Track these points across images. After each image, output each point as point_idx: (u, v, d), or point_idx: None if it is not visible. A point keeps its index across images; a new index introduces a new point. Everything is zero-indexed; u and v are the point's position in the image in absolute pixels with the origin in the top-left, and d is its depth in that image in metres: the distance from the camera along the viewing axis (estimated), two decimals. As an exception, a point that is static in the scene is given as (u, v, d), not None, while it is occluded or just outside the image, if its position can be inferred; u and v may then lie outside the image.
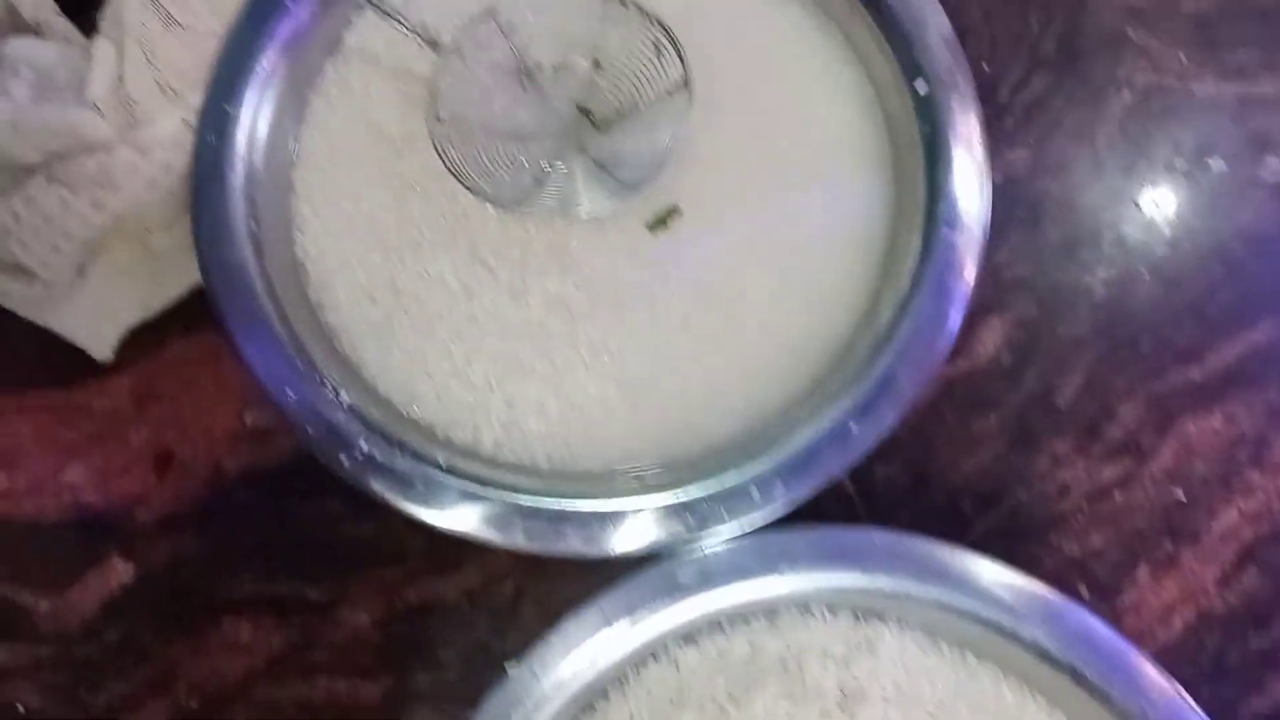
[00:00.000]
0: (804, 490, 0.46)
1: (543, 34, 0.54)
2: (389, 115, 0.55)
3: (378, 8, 0.53)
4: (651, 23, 0.51)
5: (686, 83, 0.51)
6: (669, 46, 0.51)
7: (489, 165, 0.52)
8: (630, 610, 0.45)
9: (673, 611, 0.45)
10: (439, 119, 0.51)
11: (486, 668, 0.48)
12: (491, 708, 0.44)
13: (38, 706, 0.53)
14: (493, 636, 0.54)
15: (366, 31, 0.56)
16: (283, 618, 0.54)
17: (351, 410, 0.49)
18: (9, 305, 0.57)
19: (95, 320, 0.57)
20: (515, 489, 0.48)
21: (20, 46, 0.55)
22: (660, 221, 0.53)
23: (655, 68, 0.52)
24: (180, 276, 0.56)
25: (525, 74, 0.54)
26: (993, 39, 0.61)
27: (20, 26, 0.59)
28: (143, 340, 0.58)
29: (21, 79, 0.54)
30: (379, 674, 0.54)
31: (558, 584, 0.54)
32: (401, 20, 0.53)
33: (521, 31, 0.54)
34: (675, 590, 0.45)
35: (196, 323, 0.58)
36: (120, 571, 0.55)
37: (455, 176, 0.50)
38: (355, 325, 0.53)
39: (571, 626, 0.45)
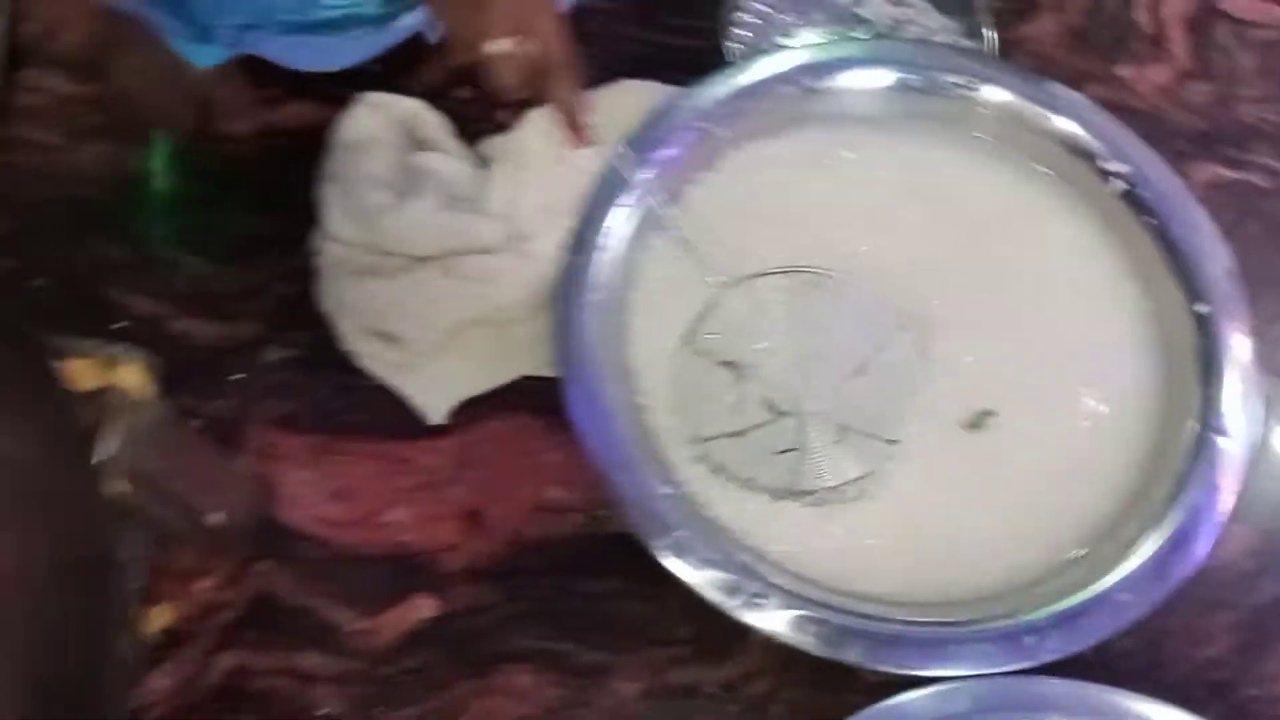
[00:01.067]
0: (1073, 646, 0.52)
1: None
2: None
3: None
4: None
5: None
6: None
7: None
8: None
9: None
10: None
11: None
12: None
13: (339, 713, 0.61)
14: (742, 730, 0.60)
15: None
16: (560, 674, 0.61)
17: (669, 500, 0.57)
18: (369, 367, 0.67)
19: (437, 389, 0.67)
20: (806, 598, 0.54)
21: (429, 160, 0.68)
22: (975, 424, 0.60)
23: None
24: (520, 364, 0.66)
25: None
26: (1248, 273, 0.68)
27: (418, 145, 0.71)
28: (469, 411, 0.67)
29: (429, 187, 0.66)
30: (636, 743, 0.60)
31: (808, 691, 0.60)
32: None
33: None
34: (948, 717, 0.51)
35: (515, 404, 0.67)
36: (424, 607, 0.63)
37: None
38: (673, 431, 0.61)
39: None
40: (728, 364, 0.62)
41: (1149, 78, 0.79)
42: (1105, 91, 0.76)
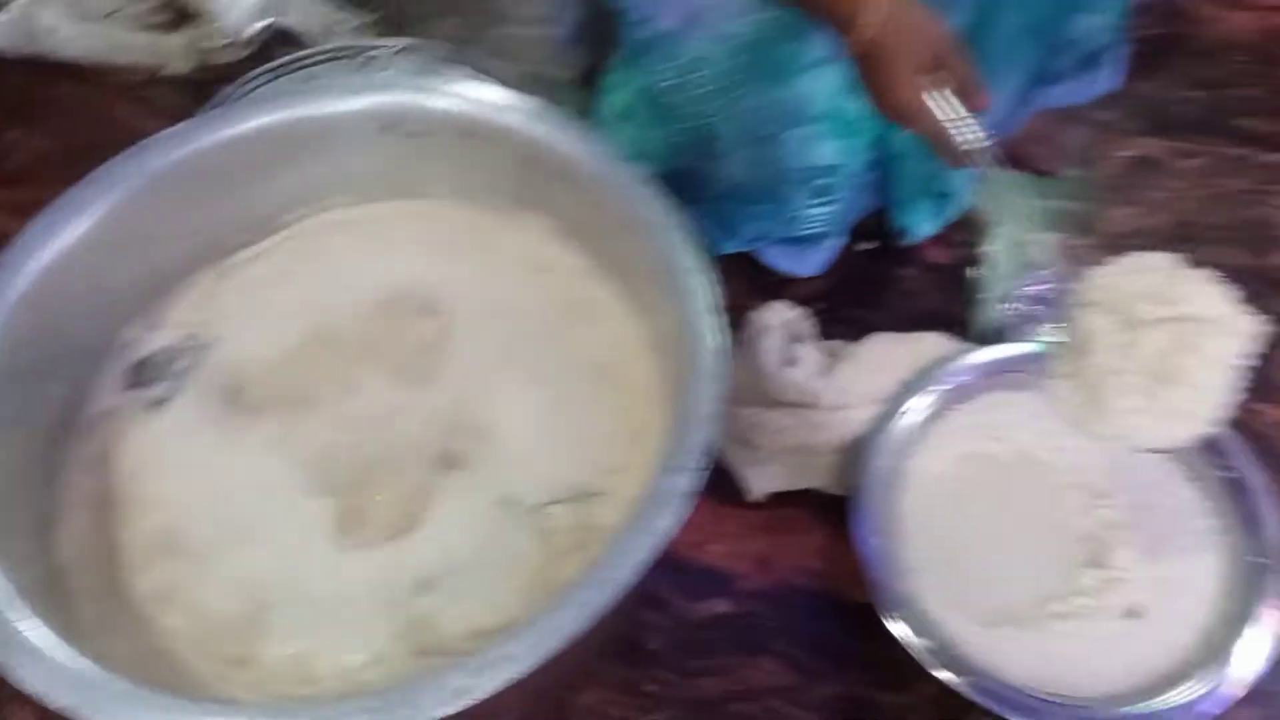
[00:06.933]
0: None
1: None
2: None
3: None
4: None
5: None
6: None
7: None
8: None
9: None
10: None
11: None
12: None
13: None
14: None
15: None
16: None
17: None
18: (732, 460, 1.10)
19: (763, 480, 1.09)
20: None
21: (800, 348, 1.11)
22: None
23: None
24: (817, 480, 1.07)
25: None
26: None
27: (794, 337, 1.14)
28: (776, 498, 1.08)
29: (799, 361, 1.10)
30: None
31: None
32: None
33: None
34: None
35: (806, 504, 1.08)
36: (720, 605, 1.05)
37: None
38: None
39: None
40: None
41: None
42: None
